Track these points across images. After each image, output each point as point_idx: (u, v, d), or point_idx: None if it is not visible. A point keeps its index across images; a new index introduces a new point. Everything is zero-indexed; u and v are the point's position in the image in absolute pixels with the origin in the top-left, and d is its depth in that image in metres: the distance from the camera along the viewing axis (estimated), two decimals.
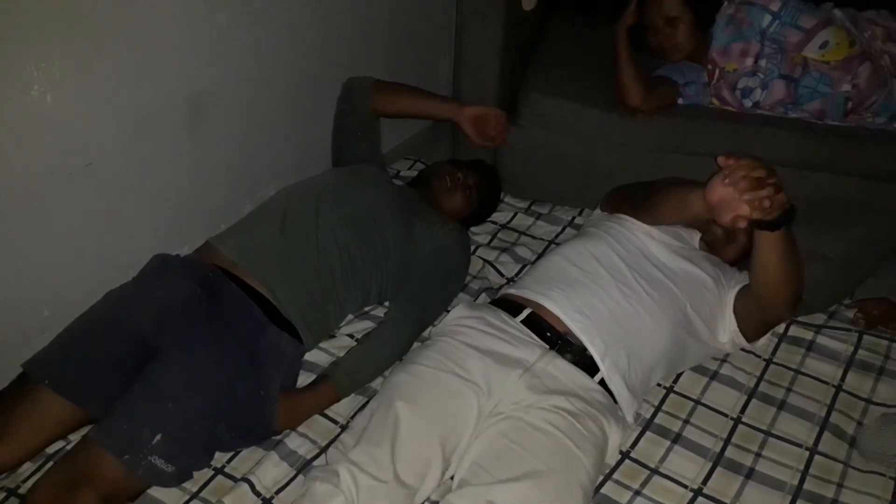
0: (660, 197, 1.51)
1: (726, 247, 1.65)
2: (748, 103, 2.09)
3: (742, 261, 1.68)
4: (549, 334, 1.43)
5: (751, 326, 1.55)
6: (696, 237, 1.63)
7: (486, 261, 1.91)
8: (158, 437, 1.25)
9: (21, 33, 1.29)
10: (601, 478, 1.36)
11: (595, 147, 2.19)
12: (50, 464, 1.32)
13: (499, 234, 2.04)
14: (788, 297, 1.44)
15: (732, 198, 1.18)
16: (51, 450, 1.35)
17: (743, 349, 1.64)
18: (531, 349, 1.40)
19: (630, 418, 1.42)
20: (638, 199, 1.60)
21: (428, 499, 1.31)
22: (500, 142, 1.99)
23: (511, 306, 1.50)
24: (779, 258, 1.36)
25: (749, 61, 2.06)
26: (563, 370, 1.38)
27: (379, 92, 1.90)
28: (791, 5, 2.04)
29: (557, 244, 1.94)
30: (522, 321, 1.46)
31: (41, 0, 1.30)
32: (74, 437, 1.36)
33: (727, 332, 1.55)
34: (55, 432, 1.35)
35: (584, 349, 1.41)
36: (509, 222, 2.09)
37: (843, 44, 2.01)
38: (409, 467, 1.24)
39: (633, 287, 1.47)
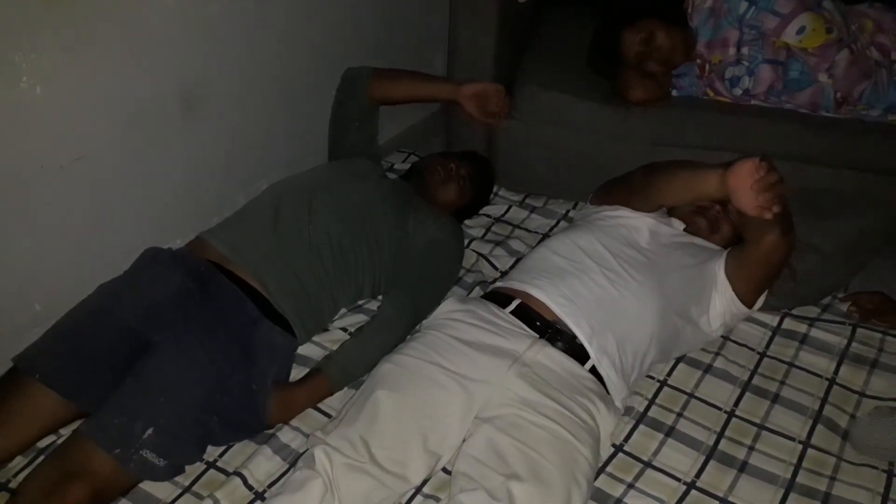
0: (663, 176, 1.51)
1: (710, 238, 1.65)
2: (738, 92, 2.09)
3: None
4: (538, 323, 1.43)
5: (748, 283, 1.54)
6: (679, 226, 1.64)
7: (480, 254, 1.91)
8: (150, 430, 1.24)
9: (9, 24, 1.28)
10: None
11: (590, 140, 2.19)
12: (41, 458, 1.32)
13: (493, 228, 2.03)
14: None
15: (753, 189, 1.24)
16: (42, 444, 1.35)
17: (736, 342, 1.65)
18: (521, 339, 1.40)
19: (619, 404, 1.43)
20: (636, 181, 1.60)
21: (421, 491, 1.31)
22: (503, 117, 1.96)
23: (500, 298, 1.50)
24: None
25: (731, 50, 2.06)
26: (553, 359, 1.38)
27: (377, 79, 1.88)
28: None
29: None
30: (512, 312, 1.46)
31: None
32: (66, 432, 1.36)
33: (722, 302, 1.55)
34: (46, 427, 1.35)
35: (575, 337, 1.41)
36: (503, 215, 2.08)
37: (820, 30, 2.00)
38: (386, 452, 1.24)
39: (617, 272, 1.48)
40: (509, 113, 1.98)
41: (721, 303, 1.56)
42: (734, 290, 1.55)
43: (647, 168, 1.59)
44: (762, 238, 1.46)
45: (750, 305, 1.59)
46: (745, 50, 2.05)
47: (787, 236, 1.46)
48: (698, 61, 2.13)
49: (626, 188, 1.64)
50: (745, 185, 1.27)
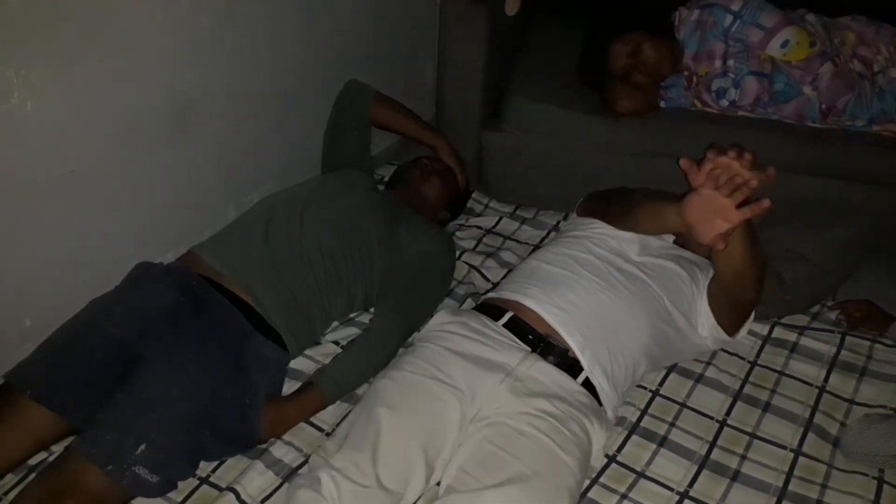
0: (636, 211, 1.52)
1: (697, 250, 1.66)
2: (724, 103, 2.12)
3: None
4: (531, 337, 1.43)
5: (724, 318, 1.55)
6: (669, 238, 1.65)
7: (471, 266, 1.91)
8: (143, 446, 1.23)
9: (0, 40, 1.28)
10: (588, 482, 1.37)
11: (579, 151, 2.20)
12: (32, 476, 1.30)
13: (484, 239, 2.04)
14: (751, 278, 1.44)
15: (709, 219, 1.20)
16: (33, 461, 1.34)
17: (727, 351, 1.66)
18: (513, 353, 1.40)
19: (611, 413, 1.43)
20: (615, 209, 1.60)
21: None
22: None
23: (492, 310, 1.51)
24: (740, 247, 1.35)
25: (718, 63, 2.09)
26: (545, 373, 1.38)
27: (378, 104, 1.98)
28: (752, 5, 2.07)
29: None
30: (504, 325, 1.46)
31: (21, 6, 1.29)
32: (57, 448, 1.35)
33: (706, 326, 1.56)
34: (37, 443, 1.34)
35: (567, 350, 1.41)
36: (494, 227, 2.09)
37: (804, 43, 2.04)
38: (391, 472, 1.24)
39: (609, 282, 1.49)
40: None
41: (705, 328, 1.57)
42: (717, 320, 1.56)
43: (625, 199, 1.59)
44: (735, 290, 1.47)
45: (732, 335, 1.60)
46: (731, 62, 2.07)
47: (756, 272, 1.45)
48: (685, 73, 2.15)
49: (606, 214, 1.64)
50: (698, 221, 1.24)
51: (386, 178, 2.23)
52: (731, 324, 1.57)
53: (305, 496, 1.19)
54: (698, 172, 1.22)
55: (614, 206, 1.61)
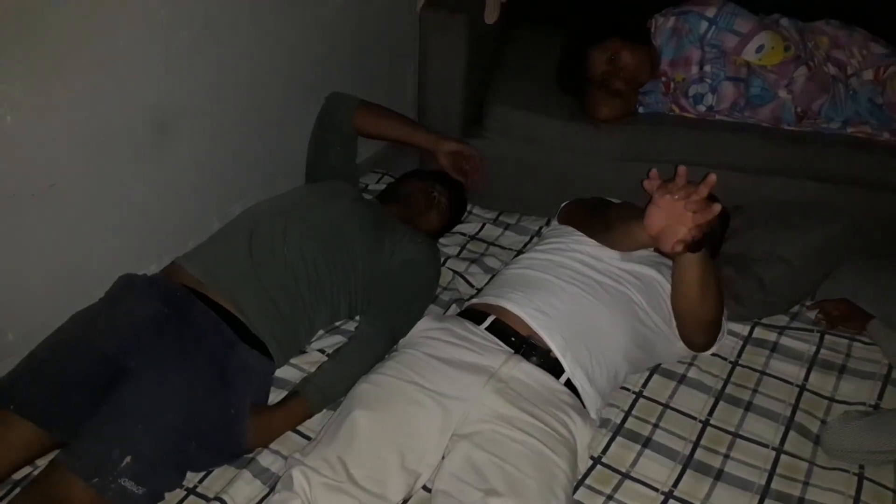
0: (611, 234, 1.53)
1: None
2: (702, 109, 2.14)
3: None
4: (513, 339, 1.45)
5: (691, 340, 1.58)
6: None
7: (455, 272, 1.93)
8: (128, 458, 1.23)
9: None
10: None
11: (560, 157, 2.22)
12: (17, 490, 1.30)
13: (467, 246, 2.05)
14: (700, 319, 1.48)
15: (670, 226, 1.21)
16: (18, 476, 1.33)
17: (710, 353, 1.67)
18: (496, 355, 1.42)
19: (594, 415, 1.45)
20: (596, 228, 1.61)
21: None
22: (474, 177, 2.06)
23: (475, 315, 1.52)
24: (694, 279, 1.37)
25: (694, 69, 2.12)
26: (528, 373, 1.40)
27: (363, 112, 1.96)
28: (726, 11, 2.10)
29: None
30: (487, 328, 1.48)
31: (1, 22, 1.29)
32: (42, 462, 1.34)
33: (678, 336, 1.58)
34: (22, 458, 1.33)
35: (549, 351, 1.43)
36: (478, 233, 2.10)
37: (779, 48, 2.07)
38: (364, 472, 1.25)
39: (590, 286, 1.50)
40: (480, 177, 2.08)
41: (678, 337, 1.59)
42: (683, 342, 1.58)
43: (601, 218, 1.60)
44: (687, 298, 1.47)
45: (697, 351, 1.62)
46: (707, 68, 2.10)
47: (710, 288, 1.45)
48: (663, 79, 2.18)
49: (587, 229, 1.64)
50: (662, 231, 1.25)
51: (368, 186, 2.24)
52: (698, 344, 1.59)
53: (279, 497, 1.21)
54: (655, 188, 1.23)
55: (594, 224, 1.63)
